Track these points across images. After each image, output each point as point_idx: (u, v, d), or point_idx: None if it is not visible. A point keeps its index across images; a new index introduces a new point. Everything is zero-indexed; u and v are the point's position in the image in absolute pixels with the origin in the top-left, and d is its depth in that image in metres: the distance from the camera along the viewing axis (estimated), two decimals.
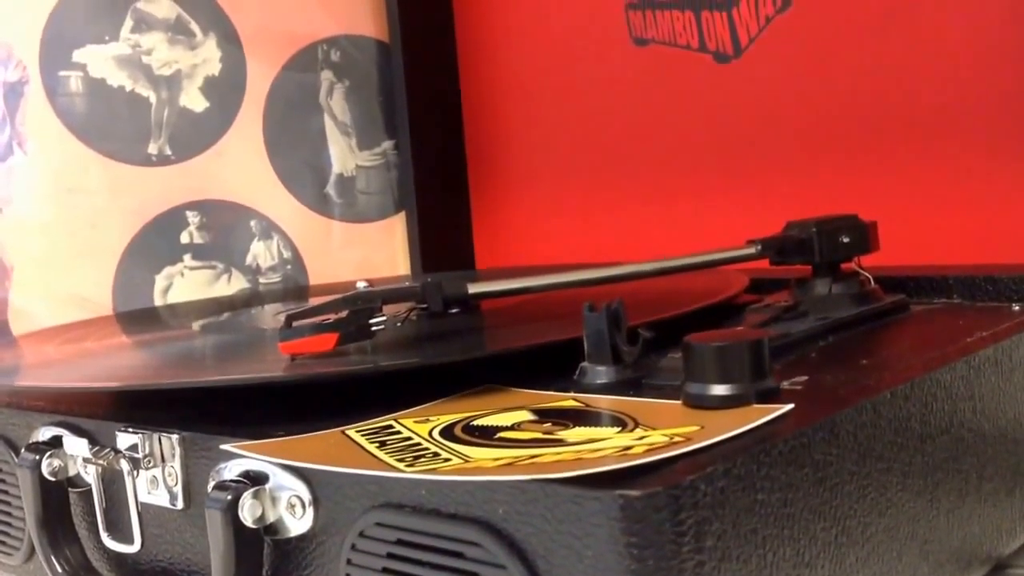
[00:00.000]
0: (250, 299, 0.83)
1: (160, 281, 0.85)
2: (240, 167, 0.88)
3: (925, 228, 0.69)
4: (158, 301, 0.84)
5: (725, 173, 0.78)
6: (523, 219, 0.92)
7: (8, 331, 0.81)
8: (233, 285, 0.87)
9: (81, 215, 0.82)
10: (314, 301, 0.78)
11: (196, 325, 0.64)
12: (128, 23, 0.83)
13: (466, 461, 0.35)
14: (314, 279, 0.90)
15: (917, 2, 0.68)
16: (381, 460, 0.36)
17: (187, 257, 0.86)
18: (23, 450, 0.48)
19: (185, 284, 0.85)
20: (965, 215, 0.68)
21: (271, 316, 0.67)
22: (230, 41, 0.87)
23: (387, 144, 0.93)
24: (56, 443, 0.48)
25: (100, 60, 0.83)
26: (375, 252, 0.93)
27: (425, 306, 0.49)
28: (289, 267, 0.89)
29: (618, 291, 0.54)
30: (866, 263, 0.58)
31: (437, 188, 0.94)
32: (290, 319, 0.46)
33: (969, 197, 0.68)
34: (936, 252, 0.68)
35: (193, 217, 0.86)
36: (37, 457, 0.47)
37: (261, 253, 0.89)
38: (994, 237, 0.67)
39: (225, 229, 0.87)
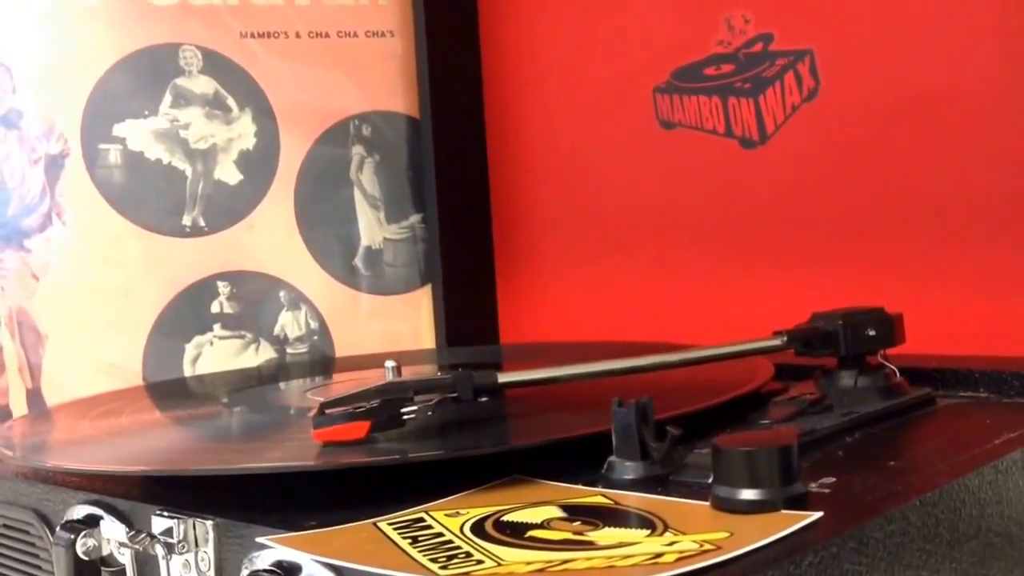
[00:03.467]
0: (277, 371, 0.84)
1: (190, 350, 0.86)
2: (271, 239, 0.89)
3: (951, 317, 0.69)
4: (187, 370, 0.85)
5: (748, 257, 0.79)
6: (547, 294, 0.93)
7: (42, 399, 0.82)
8: (261, 355, 0.88)
9: (115, 285, 0.84)
10: (339, 376, 0.79)
11: (227, 402, 0.65)
12: (167, 98, 0.86)
13: (499, 564, 0.35)
14: (340, 350, 0.91)
15: (944, 93, 0.69)
16: (415, 560, 0.36)
17: (216, 327, 0.87)
18: (58, 528, 0.49)
19: (214, 353, 0.87)
20: (992, 305, 0.68)
21: (299, 393, 0.67)
22: (265, 116, 0.89)
23: (415, 218, 0.95)
24: (90, 521, 0.49)
25: (139, 134, 0.85)
26: (401, 324, 0.94)
27: (455, 395, 0.50)
28: (316, 338, 0.91)
29: (644, 380, 0.55)
30: (891, 351, 0.58)
31: (463, 262, 0.95)
32: (323, 407, 0.47)
33: (996, 287, 0.68)
34: (962, 342, 0.68)
35: (224, 287, 0.87)
36: (72, 536, 0.48)
37: (289, 324, 0.90)
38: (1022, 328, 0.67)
39: (254, 299, 0.88)
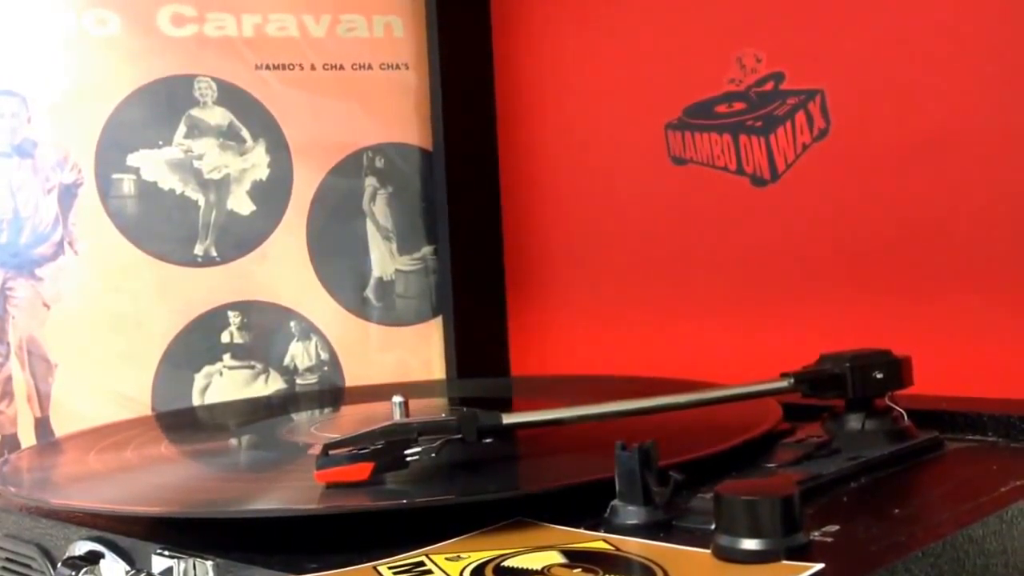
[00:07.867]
0: (286, 402, 0.84)
1: (199, 380, 0.86)
2: (282, 269, 0.90)
3: (960, 358, 0.69)
4: (196, 399, 0.85)
5: (757, 294, 0.79)
6: (558, 327, 0.93)
7: (50, 428, 0.82)
8: (270, 385, 0.88)
9: (127, 314, 0.84)
10: (348, 407, 0.79)
11: (233, 436, 0.65)
12: (182, 129, 0.86)
13: None
14: (350, 381, 0.91)
15: (954, 134, 0.69)
16: None
17: (226, 356, 0.87)
18: (60, 565, 0.49)
19: (223, 383, 0.87)
20: (1002, 347, 0.68)
21: (306, 427, 0.67)
22: (279, 147, 0.89)
23: (427, 249, 0.95)
24: (92, 558, 0.49)
25: (153, 164, 0.85)
26: (411, 356, 0.94)
27: (460, 436, 0.50)
28: (326, 368, 0.91)
29: (651, 421, 0.55)
30: (899, 393, 0.58)
31: (474, 294, 0.95)
32: (327, 448, 0.47)
33: (1006, 329, 0.68)
34: (972, 384, 0.68)
35: (234, 317, 0.88)
36: (73, 573, 0.48)
37: (299, 354, 0.90)
38: None
39: (265, 330, 0.89)
